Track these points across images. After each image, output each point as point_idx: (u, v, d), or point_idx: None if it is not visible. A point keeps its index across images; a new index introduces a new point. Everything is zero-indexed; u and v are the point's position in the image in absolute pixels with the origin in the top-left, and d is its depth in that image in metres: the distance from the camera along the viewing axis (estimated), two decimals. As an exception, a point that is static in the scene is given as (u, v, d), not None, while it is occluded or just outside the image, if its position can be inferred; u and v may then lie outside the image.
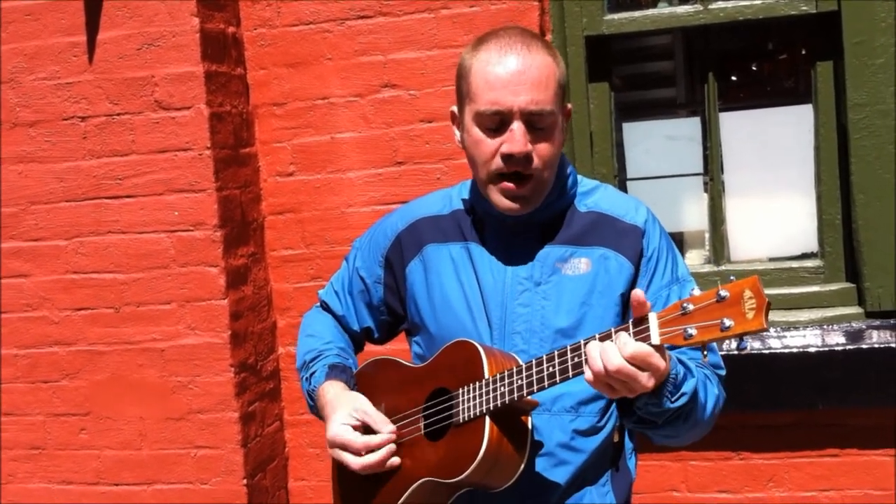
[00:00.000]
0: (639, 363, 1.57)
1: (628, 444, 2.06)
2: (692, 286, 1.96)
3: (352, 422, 1.93)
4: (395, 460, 1.93)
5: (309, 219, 3.63)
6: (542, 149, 1.85)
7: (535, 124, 1.83)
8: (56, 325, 3.57)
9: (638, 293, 1.61)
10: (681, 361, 1.78)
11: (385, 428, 1.92)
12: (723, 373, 1.98)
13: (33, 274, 3.58)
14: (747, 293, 1.44)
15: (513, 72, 1.81)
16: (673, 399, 1.72)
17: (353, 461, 1.91)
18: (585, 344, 1.64)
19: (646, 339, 1.57)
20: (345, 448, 1.92)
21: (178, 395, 3.49)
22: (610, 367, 1.57)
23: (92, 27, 3.39)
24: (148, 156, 3.41)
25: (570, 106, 1.96)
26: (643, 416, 1.79)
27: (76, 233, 3.51)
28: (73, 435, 3.61)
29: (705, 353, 1.54)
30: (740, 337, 1.46)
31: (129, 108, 3.40)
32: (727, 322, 1.45)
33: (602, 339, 1.62)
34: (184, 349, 3.46)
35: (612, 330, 1.62)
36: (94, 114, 3.43)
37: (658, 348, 1.58)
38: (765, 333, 3.34)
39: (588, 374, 1.62)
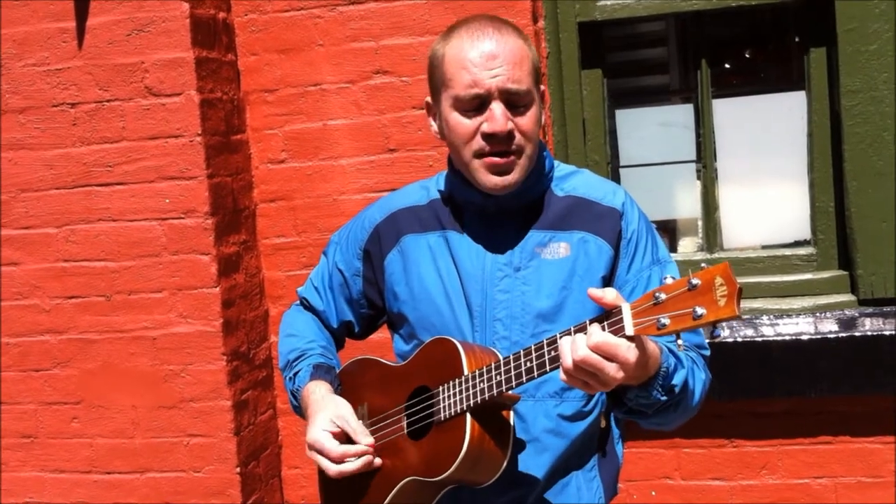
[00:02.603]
0: (604, 353, 1.55)
1: (615, 430, 2.06)
2: (672, 268, 1.97)
3: (332, 428, 1.92)
4: (377, 461, 1.92)
5: (301, 206, 3.62)
6: (523, 124, 1.85)
7: (514, 103, 1.84)
8: (47, 314, 3.57)
9: (592, 292, 1.60)
10: (671, 352, 1.77)
11: (364, 440, 1.91)
12: (707, 353, 1.97)
13: (24, 262, 3.57)
14: (718, 280, 1.42)
15: (487, 53, 1.82)
16: (663, 392, 1.72)
17: (330, 467, 1.90)
18: (560, 337, 1.63)
19: (619, 331, 1.55)
20: (322, 454, 1.91)
21: (170, 384, 3.48)
22: (576, 357, 1.56)
23: (81, 12, 3.36)
24: (138, 143, 3.40)
25: (544, 89, 1.96)
26: (633, 408, 1.78)
27: (66, 220, 3.50)
28: (66, 423, 3.61)
29: (680, 342, 1.52)
30: (713, 325, 1.45)
31: (119, 95, 3.38)
32: (699, 310, 1.43)
33: (577, 332, 1.61)
34: (175, 337, 3.45)
35: (587, 322, 1.61)
36: (83, 100, 3.42)
37: (634, 339, 1.56)
38: (757, 321, 3.34)
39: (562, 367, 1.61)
